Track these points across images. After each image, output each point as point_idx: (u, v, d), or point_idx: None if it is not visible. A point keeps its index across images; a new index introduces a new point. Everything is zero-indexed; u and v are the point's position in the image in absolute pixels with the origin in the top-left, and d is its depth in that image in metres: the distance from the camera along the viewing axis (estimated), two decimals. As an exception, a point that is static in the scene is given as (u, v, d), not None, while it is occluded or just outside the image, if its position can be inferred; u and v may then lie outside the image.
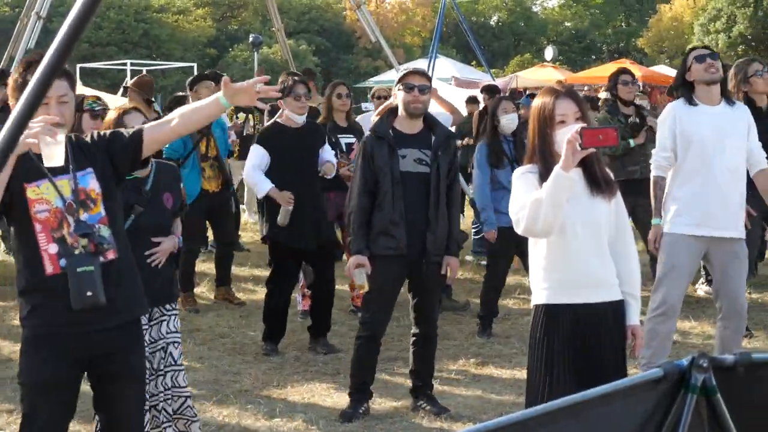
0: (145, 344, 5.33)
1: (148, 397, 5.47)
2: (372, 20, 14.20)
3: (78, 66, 30.01)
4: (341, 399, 6.75)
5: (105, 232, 4.15)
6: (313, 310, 8.28)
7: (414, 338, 6.65)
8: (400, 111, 6.43)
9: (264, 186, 7.90)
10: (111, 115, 5.48)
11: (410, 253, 6.35)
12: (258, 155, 7.98)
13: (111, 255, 4.15)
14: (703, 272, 9.76)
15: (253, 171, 7.98)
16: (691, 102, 6.55)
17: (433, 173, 6.37)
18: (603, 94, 11.03)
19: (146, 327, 5.40)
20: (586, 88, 27.17)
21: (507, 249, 8.47)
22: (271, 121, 8.51)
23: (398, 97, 6.42)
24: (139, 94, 9.93)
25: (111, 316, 4.17)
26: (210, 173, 9.53)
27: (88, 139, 4.32)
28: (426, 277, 6.46)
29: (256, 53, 22.84)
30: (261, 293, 8.91)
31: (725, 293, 6.65)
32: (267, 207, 8.05)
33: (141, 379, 4.51)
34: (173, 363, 5.54)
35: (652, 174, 6.70)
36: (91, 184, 4.19)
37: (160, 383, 5.50)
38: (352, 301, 9.30)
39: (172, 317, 5.55)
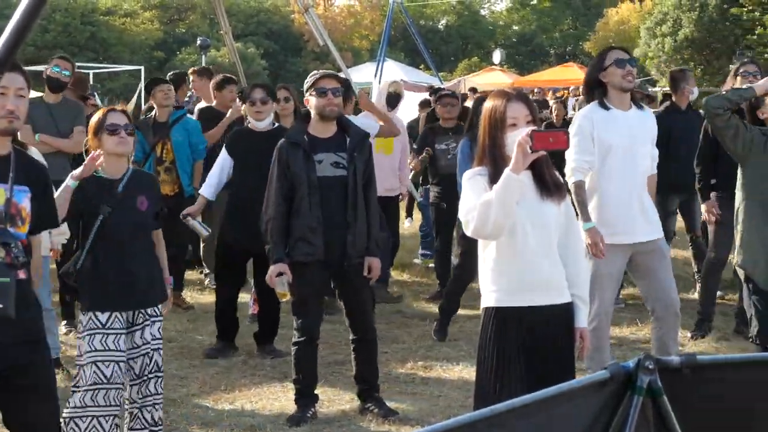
0: (124, 349, 5.31)
1: (128, 403, 5.46)
2: (320, 23, 14.13)
3: (24, 69, 29.62)
4: (289, 403, 6.72)
5: (21, 252, 4.11)
6: (260, 315, 8.24)
7: (354, 344, 6.66)
8: (314, 116, 6.41)
9: (205, 191, 8.06)
10: (95, 118, 5.49)
11: (330, 258, 6.35)
12: (222, 159, 8.07)
13: (21, 275, 4.11)
14: None
15: (213, 171, 8.11)
16: (604, 106, 6.46)
17: (350, 175, 6.36)
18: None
19: (124, 331, 5.36)
20: (536, 90, 27.36)
21: (472, 242, 8.44)
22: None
23: (311, 103, 6.38)
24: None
25: (19, 331, 4.15)
26: (165, 177, 9.49)
27: (37, 163, 4.40)
28: (350, 280, 6.46)
29: (203, 56, 22.76)
30: (210, 297, 8.87)
31: (657, 295, 6.61)
32: (226, 209, 8.04)
33: (49, 397, 4.47)
34: (158, 370, 5.51)
35: (574, 178, 6.44)
36: (24, 203, 4.20)
37: (142, 389, 5.46)
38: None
39: (157, 323, 5.51)
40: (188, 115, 10.10)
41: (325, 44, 13.35)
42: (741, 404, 3.02)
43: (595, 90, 6.51)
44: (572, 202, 6.41)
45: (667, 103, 10.06)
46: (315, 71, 6.64)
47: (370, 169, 6.58)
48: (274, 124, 8.10)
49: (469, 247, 8.57)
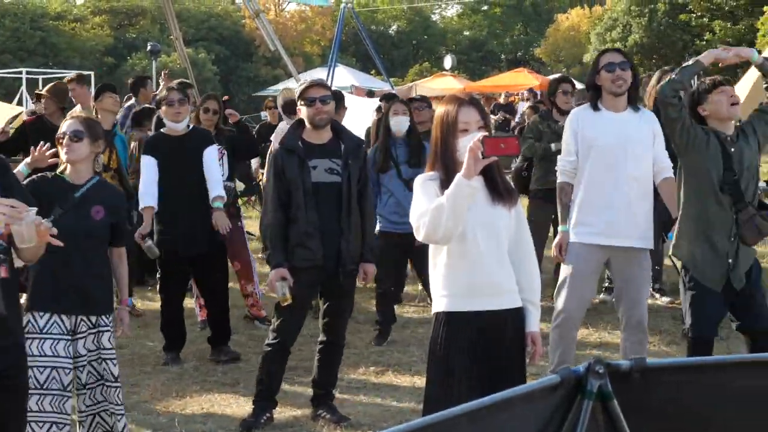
0: (65, 355, 5.25)
1: (77, 413, 5.39)
2: (271, 29, 14.11)
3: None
4: (241, 409, 6.70)
5: (2, 248, 4.06)
6: (210, 319, 8.20)
7: (321, 346, 6.63)
8: (306, 123, 6.40)
9: (146, 200, 7.83)
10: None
11: (326, 263, 6.35)
12: (148, 164, 7.89)
13: (3, 273, 4.07)
14: (607, 280, 9.86)
15: (144, 179, 7.90)
16: (595, 107, 6.50)
17: (344, 182, 6.36)
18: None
19: (66, 337, 5.30)
20: (504, 95, 27.41)
21: (390, 254, 8.49)
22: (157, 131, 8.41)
23: (302, 112, 6.39)
24: (54, 102, 9.74)
25: (5, 334, 4.12)
26: (113, 184, 9.36)
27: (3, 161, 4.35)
28: (341, 285, 6.46)
29: (154, 61, 22.60)
30: (159, 303, 8.80)
31: (627, 303, 6.60)
32: (159, 215, 7.91)
33: (25, 398, 4.46)
34: (113, 380, 5.45)
35: (558, 180, 6.60)
36: None
37: (91, 397, 5.40)
38: (249, 309, 9.23)
39: (105, 333, 5.44)
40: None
41: (276, 49, 13.35)
42: (691, 407, 3.04)
43: (590, 92, 6.57)
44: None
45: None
46: (304, 80, 6.63)
47: (365, 176, 6.60)
48: (189, 126, 8.04)
49: (380, 259, 8.61)
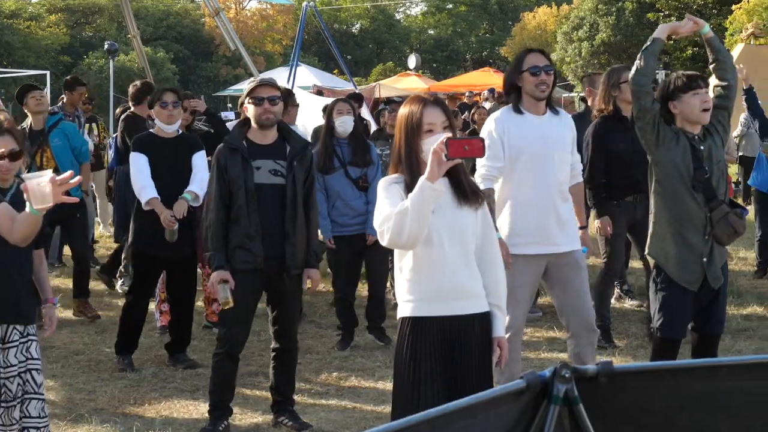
0: (3, 367, 5.14)
1: (4, 429, 5.25)
2: (231, 27, 14.04)
3: None
4: (200, 415, 6.61)
5: None
6: (172, 325, 8.09)
7: (274, 353, 6.54)
8: (253, 123, 6.29)
9: (149, 193, 7.65)
10: None
11: (268, 267, 6.24)
12: (141, 160, 7.74)
13: None
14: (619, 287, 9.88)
15: (140, 174, 7.73)
16: (517, 110, 6.32)
17: (288, 184, 6.25)
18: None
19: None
20: (467, 94, 27.41)
21: (343, 257, 8.43)
22: (147, 131, 8.26)
23: (248, 111, 6.27)
24: None
25: None
26: None
27: None
28: (285, 290, 6.36)
29: (111, 61, 22.44)
30: (117, 308, 8.70)
31: (572, 310, 6.47)
32: (137, 214, 7.83)
33: None
34: (36, 391, 5.32)
35: (483, 186, 6.16)
36: None
37: (19, 411, 5.27)
38: (207, 317, 9.13)
39: (34, 342, 5.33)
40: (64, 120, 9.93)
41: (237, 49, 13.28)
42: (658, 412, 3.02)
43: (511, 93, 6.38)
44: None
45: (582, 107, 10.06)
46: (253, 78, 6.51)
47: (311, 179, 6.48)
48: (179, 130, 7.95)
49: (335, 264, 8.54)
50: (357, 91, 18.15)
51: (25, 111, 9.57)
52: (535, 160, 6.26)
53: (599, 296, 8.64)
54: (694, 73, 6.19)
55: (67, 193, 4.20)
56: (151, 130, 8.01)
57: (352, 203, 8.16)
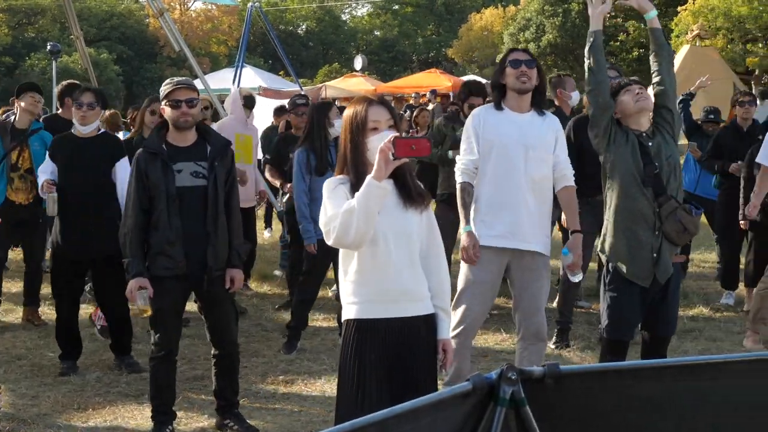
0: None
1: None
2: (175, 28, 13.88)
3: None
4: (145, 420, 6.53)
5: None
6: (112, 328, 8.02)
7: (215, 359, 6.50)
8: (171, 125, 6.22)
9: (41, 178, 7.76)
10: None
11: (191, 270, 6.17)
12: (47, 166, 7.82)
13: None
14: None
15: (38, 175, 7.88)
16: (498, 106, 6.38)
17: (210, 185, 6.18)
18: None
19: None
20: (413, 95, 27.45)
21: (324, 262, 8.39)
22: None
23: (166, 113, 6.19)
24: None
25: None
26: (19, 184, 9.18)
27: None
28: (212, 293, 6.30)
29: (54, 62, 22.13)
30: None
31: (523, 313, 6.46)
32: (59, 215, 7.76)
33: None
34: None
35: (459, 180, 6.38)
36: None
37: None
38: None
39: None
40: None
41: (181, 50, 13.14)
42: (605, 413, 3.02)
43: (494, 91, 6.45)
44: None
45: (552, 109, 10.11)
46: (170, 79, 6.42)
47: (232, 178, 6.41)
48: (99, 129, 7.89)
49: (313, 267, 8.48)
50: (303, 92, 18.06)
51: (17, 105, 9.47)
52: (506, 156, 6.27)
53: (563, 295, 8.70)
54: (623, 79, 6.39)
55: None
56: (72, 131, 7.90)
57: None
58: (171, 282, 6.16)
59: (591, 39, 6.11)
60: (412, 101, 25.93)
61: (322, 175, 8.18)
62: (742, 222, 9.91)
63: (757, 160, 8.88)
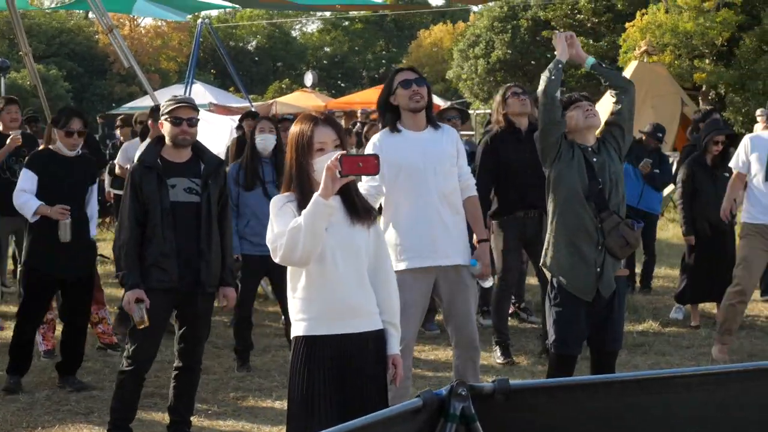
0: None
1: None
2: (125, 45, 13.80)
3: None
4: (95, 439, 6.46)
5: None
6: (64, 345, 7.90)
7: (177, 371, 6.44)
8: (168, 141, 6.24)
9: (32, 204, 7.54)
10: None
11: (183, 285, 6.18)
12: (26, 178, 7.65)
13: None
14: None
15: (19, 193, 7.64)
16: (394, 129, 6.39)
17: (203, 202, 6.22)
18: None
19: None
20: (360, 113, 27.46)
21: (253, 277, 8.39)
22: (43, 146, 8.08)
23: (164, 128, 6.22)
24: None
25: None
26: None
27: None
28: (197, 308, 6.30)
29: (3, 78, 21.94)
30: (8, 330, 8.50)
31: (454, 324, 6.53)
32: (30, 231, 7.67)
33: None
34: None
35: None
36: None
37: None
38: (100, 338, 8.96)
39: None
40: None
41: (131, 66, 13.04)
42: (555, 428, 3.04)
43: (387, 114, 6.44)
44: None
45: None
46: (173, 96, 6.44)
47: (225, 197, 6.46)
48: (79, 151, 7.81)
49: (243, 283, 8.47)
50: (253, 109, 18.03)
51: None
52: (415, 175, 6.30)
53: (496, 312, 8.73)
54: (572, 93, 6.43)
55: None
56: (50, 146, 7.83)
57: (267, 222, 8.07)
58: (162, 295, 6.15)
59: (555, 59, 6.17)
60: (359, 117, 25.93)
61: (249, 190, 8.20)
62: (686, 238, 10.07)
63: (730, 164, 9.03)
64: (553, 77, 6.08)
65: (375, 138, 6.52)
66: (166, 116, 6.21)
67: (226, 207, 6.48)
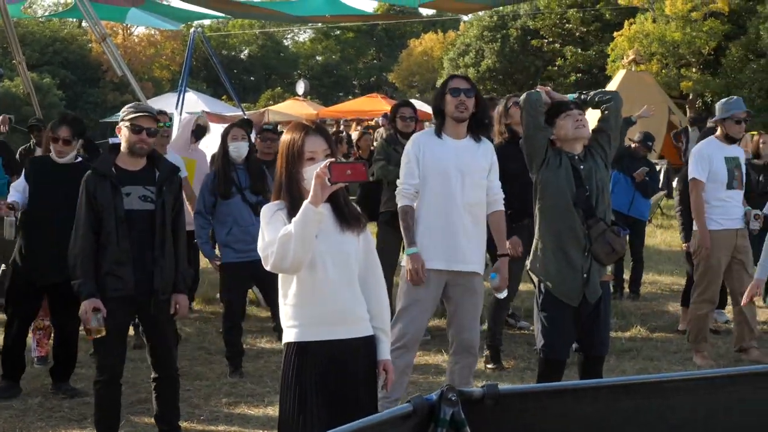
0: None
1: None
2: (118, 53, 13.85)
3: None
4: (88, 446, 6.47)
5: None
6: (56, 350, 7.93)
7: (155, 382, 6.47)
8: (123, 148, 6.25)
9: (12, 196, 7.69)
10: None
11: (139, 293, 6.18)
12: (18, 182, 7.82)
13: None
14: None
15: (13, 194, 7.76)
16: (438, 133, 6.55)
17: (158, 210, 6.22)
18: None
19: None
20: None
21: (240, 285, 8.42)
22: (43, 152, 8.15)
23: (122, 134, 6.24)
24: None
25: None
26: None
27: None
28: (156, 316, 6.31)
29: (-4, 86, 21.93)
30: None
31: (457, 328, 6.66)
32: (22, 235, 7.73)
33: None
34: None
35: (400, 204, 6.57)
36: None
37: None
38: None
39: None
40: None
41: (124, 74, 13.09)
42: None
43: (437, 117, 6.61)
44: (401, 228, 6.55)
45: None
46: (136, 104, 6.45)
47: (180, 204, 6.47)
48: (77, 158, 7.84)
49: (227, 291, 8.50)
50: (246, 117, 18.03)
51: None
52: (444, 181, 6.46)
53: (493, 317, 8.77)
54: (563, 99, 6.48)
55: None
56: (48, 153, 7.86)
57: (249, 229, 8.10)
58: (117, 303, 6.15)
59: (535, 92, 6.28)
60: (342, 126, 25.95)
61: (226, 199, 8.23)
62: (684, 245, 10.08)
63: (690, 175, 8.97)
64: (535, 91, 6.21)
65: (415, 136, 6.74)
66: (127, 123, 6.21)
67: (180, 213, 6.48)
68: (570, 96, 6.40)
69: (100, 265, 6.14)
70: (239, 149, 8.40)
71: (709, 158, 8.77)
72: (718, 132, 8.87)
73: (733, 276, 8.92)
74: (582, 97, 6.44)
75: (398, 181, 6.65)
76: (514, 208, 8.44)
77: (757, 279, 7.18)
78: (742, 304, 7.32)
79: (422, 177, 6.51)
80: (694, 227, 8.96)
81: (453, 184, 6.46)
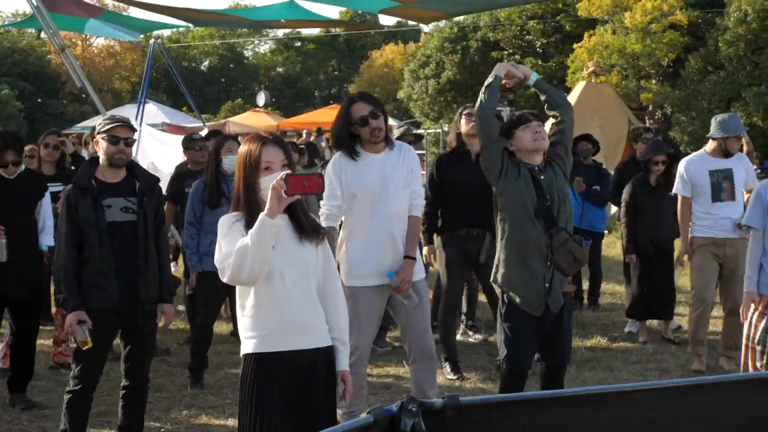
0: None
1: None
2: (77, 64, 13.74)
3: None
4: (46, 460, 6.40)
5: None
6: (15, 362, 7.85)
7: (125, 391, 6.42)
8: (102, 161, 6.22)
9: None
10: None
11: (123, 304, 6.16)
12: None
13: None
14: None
15: None
16: (354, 153, 6.53)
17: (140, 221, 6.21)
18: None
19: None
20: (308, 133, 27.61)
21: (218, 295, 8.37)
22: None
23: (100, 146, 6.21)
24: None
25: None
26: None
27: None
28: (139, 326, 6.28)
29: (-47, 97, 21.75)
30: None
31: (412, 336, 6.71)
32: None
33: None
34: None
35: (324, 225, 6.43)
36: None
37: None
38: (54, 357, 8.89)
39: None
40: None
41: (83, 86, 12.99)
42: None
43: (346, 141, 6.56)
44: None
45: None
46: (111, 115, 6.43)
47: (161, 215, 6.48)
48: (21, 168, 7.78)
49: (208, 302, 8.46)
50: (207, 128, 17.99)
51: None
52: (372, 198, 6.50)
53: (443, 328, 8.78)
54: (523, 111, 6.54)
55: None
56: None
57: None
58: (103, 315, 6.13)
59: (491, 79, 6.25)
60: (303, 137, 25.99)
61: (214, 208, 8.20)
62: (627, 256, 10.23)
63: (674, 190, 9.20)
64: (486, 97, 6.19)
65: (335, 158, 6.66)
66: (104, 135, 6.18)
67: (162, 224, 6.50)
68: (533, 75, 6.37)
69: (83, 277, 6.12)
70: (233, 162, 8.38)
71: (689, 174, 8.98)
72: (711, 147, 8.99)
73: (722, 284, 9.12)
74: (541, 85, 6.40)
75: (321, 203, 6.66)
76: (451, 218, 8.56)
77: (747, 293, 7.22)
78: (741, 320, 7.35)
79: (348, 197, 6.52)
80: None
81: (380, 199, 6.49)
